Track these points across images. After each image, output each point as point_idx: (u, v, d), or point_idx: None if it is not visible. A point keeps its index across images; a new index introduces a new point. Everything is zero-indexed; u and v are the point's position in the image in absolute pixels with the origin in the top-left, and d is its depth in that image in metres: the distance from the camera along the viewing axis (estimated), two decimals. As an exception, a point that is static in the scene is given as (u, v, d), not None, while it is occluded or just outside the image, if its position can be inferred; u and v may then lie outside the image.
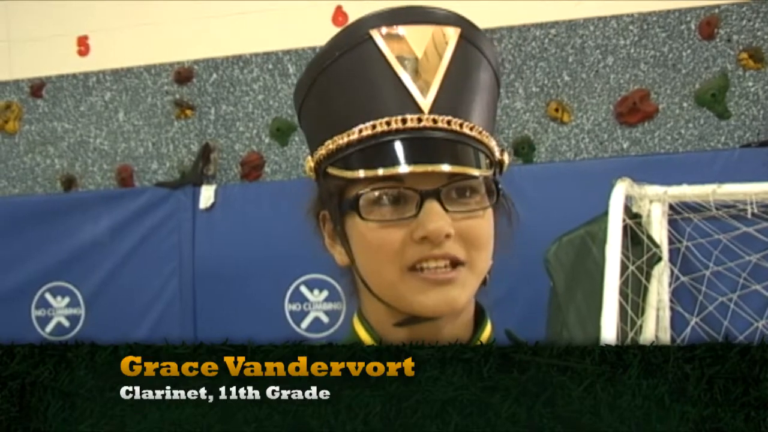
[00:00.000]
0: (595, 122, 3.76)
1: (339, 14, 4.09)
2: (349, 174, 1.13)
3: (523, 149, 3.83)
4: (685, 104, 3.66)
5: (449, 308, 1.12)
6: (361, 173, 1.11)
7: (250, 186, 4.20)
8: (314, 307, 4.01)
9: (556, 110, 3.80)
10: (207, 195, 4.15)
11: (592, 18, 3.78)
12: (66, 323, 4.29)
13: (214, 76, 4.31)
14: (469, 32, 1.16)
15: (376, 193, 1.10)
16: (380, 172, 1.10)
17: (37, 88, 4.57)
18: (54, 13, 4.53)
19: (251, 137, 4.25)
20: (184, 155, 4.34)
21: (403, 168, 1.09)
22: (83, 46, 4.50)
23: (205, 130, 4.31)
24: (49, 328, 4.30)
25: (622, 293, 2.96)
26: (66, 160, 4.53)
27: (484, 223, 1.13)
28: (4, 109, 4.62)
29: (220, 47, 4.29)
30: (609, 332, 2.82)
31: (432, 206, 1.09)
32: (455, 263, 1.11)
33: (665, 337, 3.25)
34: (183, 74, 4.35)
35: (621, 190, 3.09)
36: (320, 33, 4.00)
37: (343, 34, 1.16)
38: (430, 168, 1.09)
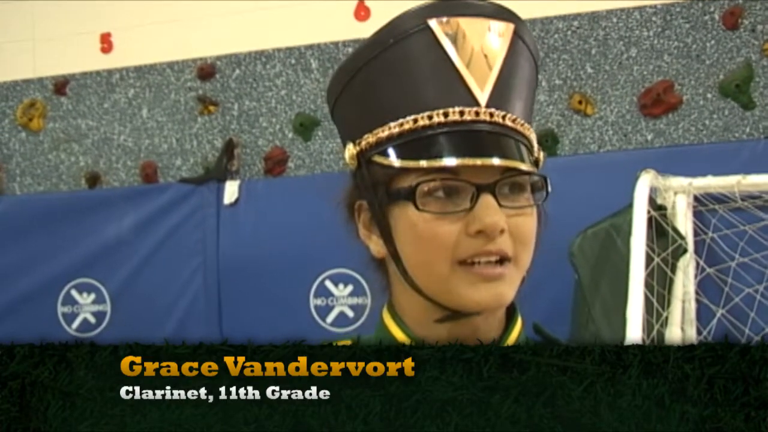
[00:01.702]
0: (618, 114, 3.74)
1: (361, 9, 4.09)
2: (403, 163, 1.12)
3: (547, 142, 3.81)
4: (709, 95, 3.63)
5: (497, 303, 1.13)
6: (422, 163, 1.11)
7: (274, 181, 4.21)
8: (339, 302, 4.01)
9: (580, 102, 3.78)
10: (231, 190, 4.16)
11: (615, 9, 3.75)
12: (92, 320, 4.31)
13: (237, 71, 4.32)
14: (520, 28, 1.17)
15: (433, 184, 1.10)
16: (437, 163, 1.10)
17: (60, 85, 4.59)
18: (77, 11, 4.55)
19: (274, 132, 4.25)
20: (208, 151, 4.35)
21: (452, 161, 1.09)
22: (106, 43, 4.51)
23: (228, 126, 4.31)
24: (75, 324, 4.32)
25: (648, 285, 2.95)
26: (90, 157, 4.55)
27: (531, 221, 1.14)
28: (28, 107, 4.64)
29: (243, 43, 4.30)
30: (634, 325, 2.82)
31: (488, 200, 1.09)
32: (504, 259, 1.11)
33: (691, 329, 3.24)
34: (206, 70, 4.36)
35: (645, 181, 3.08)
36: (342, 28, 4.05)
37: (398, 21, 1.15)
38: (480, 161, 1.09)
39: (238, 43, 4.31)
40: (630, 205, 3.05)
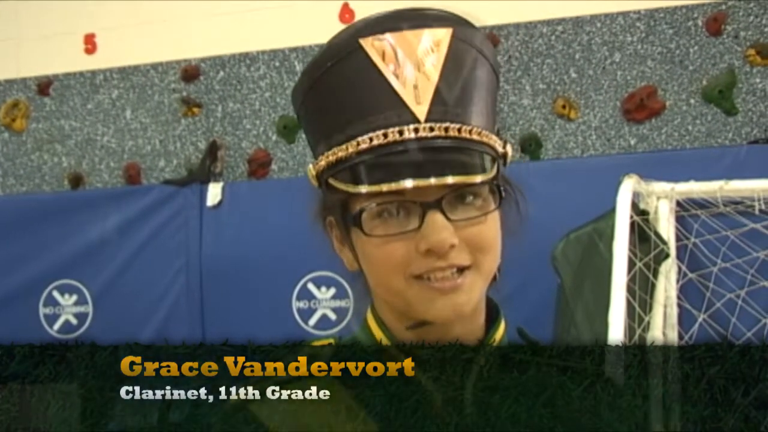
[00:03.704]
0: (602, 119, 3.75)
1: (346, 11, 4.09)
2: (350, 188, 1.11)
3: (530, 146, 3.82)
4: (692, 101, 3.64)
5: (456, 315, 1.12)
6: (362, 189, 1.10)
7: (258, 183, 4.20)
8: (322, 305, 4.01)
9: (563, 107, 3.79)
10: (214, 192, 4.15)
11: (599, 14, 3.77)
12: (74, 321, 4.29)
13: (221, 73, 4.31)
14: (461, 31, 1.14)
15: (378, 208, 1.09)
16: (382, 188, 1.08)
17: (44, 86, 4.58)
18: (61, 12, 4.53)
19: (258, 135, 4.25)
20: (192, 153, 4.34)
21: (407, 183, 1.07)
22: (90, 44, 4.50)
23: (212, 128, 4.31)
24: (57, 326, 4.31)
25: (630, 290, 2.95)
26: (73, 158, 4.53)
27: (489, 227, 1.12)
28: (11, 107, 4.62)
29: (227, 45, 4.30)
30: (616, 329, 2.82)
31: (435, 218, 1.08)
32: (461, 269, 1.10)
33: (673, 333, 3.24)
34: (190, 72, 4.35)
35: (628, 186, 3.09)
36: (327, 30, 3.99)
37: (334, 44, 1.15)
38: (433, 181, 1.07)
39: (223, 45, 4.30)
40: (613, 210, 3.05)
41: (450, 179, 1.08)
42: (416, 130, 1.08)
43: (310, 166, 1.18)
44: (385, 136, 1.09)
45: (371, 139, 1.09)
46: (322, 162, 1.14)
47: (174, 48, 4.37)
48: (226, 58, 4.31)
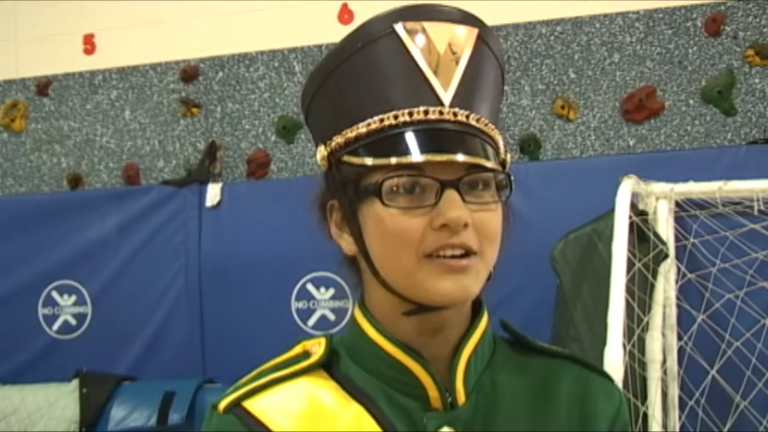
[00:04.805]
0: (601, 119, 3.76)
1: (345, 12, 4.09)
2: (370, 161, 1.14)
3: (530, 146, 3.83)
4: (691, 101, 3.65)
5: (463, 296, 1.13)
6: (389, 160, 1.13)
7: (257, 184, 4.20)
8: (321, 305, 4.01)
9: (562, 107, 3.80)
10: (213, 193, 4.15)
11: (598, 15, 3.77)
12: (72, 321, 4.28)
13: (220, 74, 4.31)
14: (484, 33, 1.20)
15: (398, 180, 1.12)
16: (404, 159, 1.12)
17: (43, 86, 4.58)
18: (60, 12, 4.54)
19: (257, 135, 4.25)
20: (191, 153, 4.34)
21: (418, 157, 1.11)
22: (89, 44, 4.50)
23: (211, 128, 4.31)
24: (56, 326, 4.29)
25: (629, 290, 2.95)
26: (72, 159, 4.54)
27: (495, 216, 1.15)
28: (10, 107, 4.63)
29: (226, 45, 4.30)
30: (615, 329, 2.82)
31: (452, 195, 1.11)
32: (469, 252, 1.12)
33: (672, 334, 3.25)
34: (189, 72, 4.35)
35: (627, 187, 3.09)
36: (326, 31, 4.05)
37: (367, 26, 1.18)
38: (445, 158, 1.11)
39: (222, 45, 4.30)
40: (612, 210, 3.05)
41: (460, 157, 1.12)
42: (441, 113, 1.13)
43: (320, 147, 1.21)
44: (411, 114, 1.13)
45: (396, 117, 1.14)
46: (339, 140, 1.17)
47: (173, 48, 4.37)
48: (225, 58, 4.31)
